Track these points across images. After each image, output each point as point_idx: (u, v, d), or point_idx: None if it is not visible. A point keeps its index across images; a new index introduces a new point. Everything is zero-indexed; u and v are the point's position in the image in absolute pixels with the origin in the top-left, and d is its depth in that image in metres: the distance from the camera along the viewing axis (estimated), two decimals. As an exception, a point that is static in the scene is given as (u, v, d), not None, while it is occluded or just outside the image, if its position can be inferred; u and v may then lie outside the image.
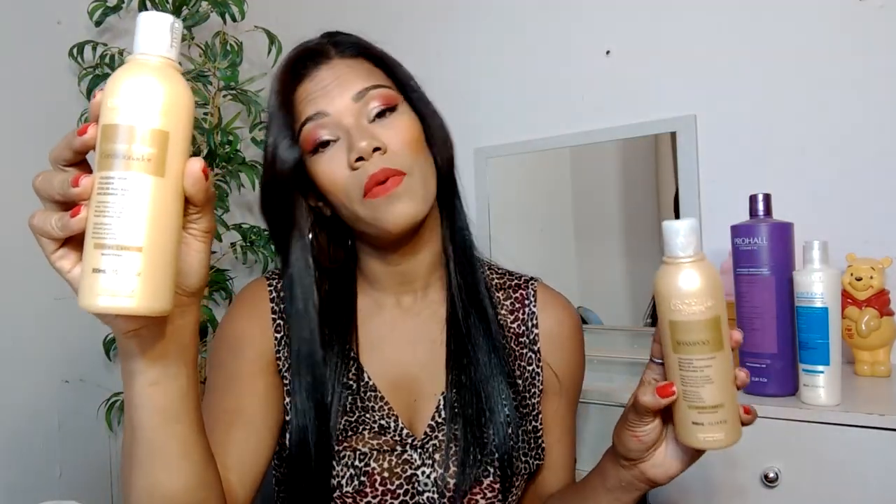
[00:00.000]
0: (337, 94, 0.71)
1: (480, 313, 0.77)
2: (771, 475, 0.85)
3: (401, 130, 0.71)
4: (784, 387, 0.92)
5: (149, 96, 0.43)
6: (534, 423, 0.80)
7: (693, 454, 0.62)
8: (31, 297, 1.48)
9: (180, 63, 0.47)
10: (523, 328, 0.81)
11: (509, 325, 0.81)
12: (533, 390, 0.80)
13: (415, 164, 0.71)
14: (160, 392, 0.53)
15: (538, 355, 0.81)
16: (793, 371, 0.92)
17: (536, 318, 0.81)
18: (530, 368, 0.80)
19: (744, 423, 0.58)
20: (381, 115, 0.71)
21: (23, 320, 1.47)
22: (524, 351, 0.81)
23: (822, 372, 0.86)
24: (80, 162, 0.46)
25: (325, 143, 0.71)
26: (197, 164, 0.46)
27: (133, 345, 0.51)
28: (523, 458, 0.76)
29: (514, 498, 0.77)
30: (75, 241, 0.46)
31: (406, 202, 0.69)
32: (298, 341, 0.74)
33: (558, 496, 0.80)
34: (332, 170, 0.70)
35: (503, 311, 0.82)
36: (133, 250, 0.42)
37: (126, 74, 0.44)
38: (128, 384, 0.53)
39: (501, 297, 0.83)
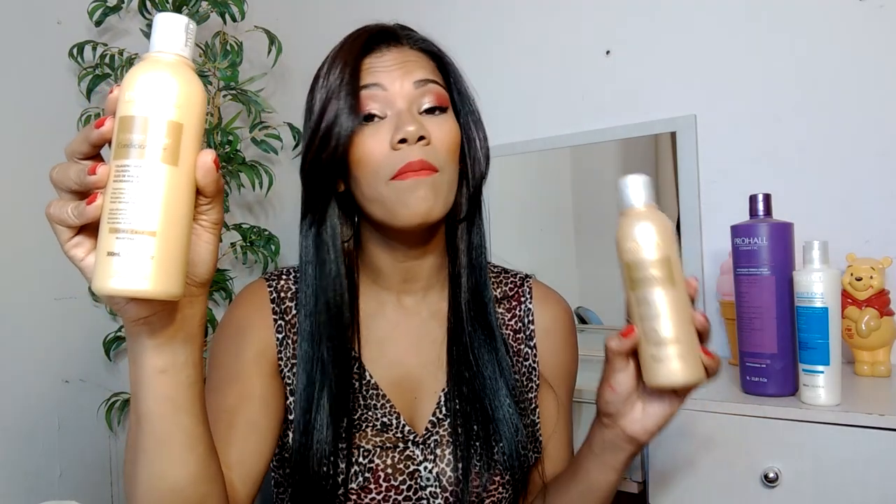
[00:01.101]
0: (398, 76, 0.72)
1: (486, 329, 0.78)
2: (771, 475, 0.85)
3: (446, 132, 0.73)
4: (784, 387, 0.92)
5: (164, 90, 0.46)
6: (531, 417, 0.81)
7: (668, 409, 0.63)
8: (31, 297, 1.48)
9: (194, 61, 0.49)
10: (520, 325, 0.82)
11: (507, 322, 0.82)
12: (530, 385, 0.81)
13: (447, 166, 0.72)
14: (168, 380, 0.53)
15: (534, 350, 0.82)
16: (793, 371, 0.92)
17: (532, 315, 0.83)
18: (527, 364, 0.81)
19: (707, 369, 0.59)
20: (431, 111, 0.73)
21: (23, 320, 1.47)
22: (521, 347, 0.82)
23: (822, 372, 0.86)
24: (94, 156, 0.48)
25: (371, 117, 0.71)
26: (209, 155, 0.48)
27: (143, 332, 0.52)
28: (522, 453, 0.76)
29: (519, 494, 0.77)
30: (89, 230, 0.48)
31: (428, 196, 0.70)
32: (322, 309, 0.75)
33: (554, 478, 0.80)
34: (372, 144, 0.70)
35: (501, 310, 0.82)
36: (147, 234, 0.44)
37: (143, 70, 0.46)
38: (135, 372, 0.53)
39: (498, 296, 0.83)
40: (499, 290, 0.84)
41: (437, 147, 0.71)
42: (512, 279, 0.85)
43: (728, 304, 1.17)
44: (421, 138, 0.70)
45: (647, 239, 0.58)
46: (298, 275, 0.79)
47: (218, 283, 1.62)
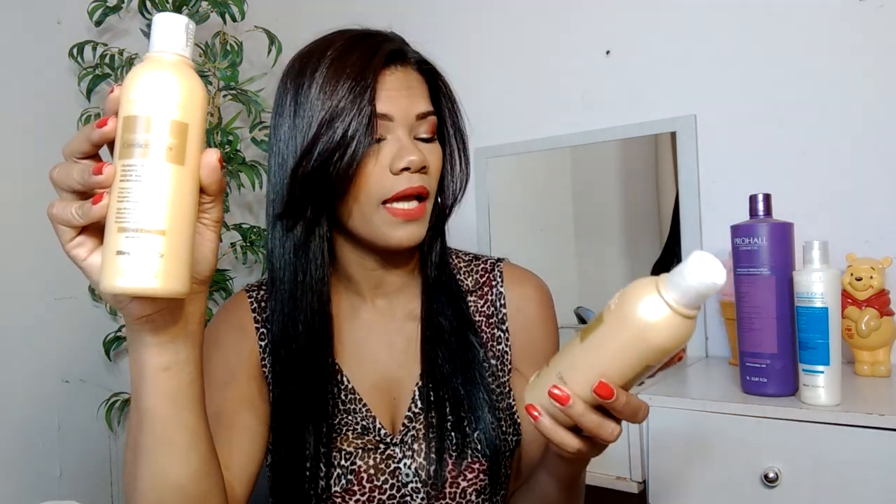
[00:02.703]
0: (405, 106, 0.71)
1: (456, 328, 0.78)
2: (771, 475, 0.85)
3: (436, 158, 0.74)
4: (784, 387, 0.92)
5: (168, 90, 0.46)
6: (507, 400, 0.80)
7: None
8: (31, 297, 1.48)
9: (194, 61, 0.49)
10: (492, 309, 0.82)
11: (479, 308, 0.82)
12: (505, 368, 0.81)
13: (433, 191, 0.74)
14: (171, 378, 0.54)
15: (507, 334, 0.82)
16: (793, 371, 0.92)
17: (504, 298, 0.82)
18: (499, 347, 0.81)
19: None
20: (425, 139, 0.73)
21: (23, 320, 1.47)
22: (494, 331, 0.82)
23: (822, 372, 0.86)
24: (93, 156, 0.48)
25: (376, 140, 0.71)
26: (213, 154, 0.48)
27: (146, 330, 0.52)
28: (502, 438, 0.76)
29: (503, 479, 0.77)
30: (91, 230, 0.48)
31: (418, 228, 0.72)
32: (283, 327, 0.75)
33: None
34: (371, 165, 0.70)
35: (473, 298, 0.83)
36: (155, 233, 0.44)
37: (146, 70, 0.46)
38: (137, 371, 0.54)
39: (470, 284, 0.83)
40: (470, 279, 0.84)
41: (432, 174, 0.73)
42: (483, 265, 0.85)
43: (728, 304, 1.17)
44: (422, 168, 0.71)
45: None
46: (267, 284, 0.77)
47: (218, 283, 1.62)
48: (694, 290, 0.48)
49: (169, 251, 0.45)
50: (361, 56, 0.70)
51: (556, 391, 0.54)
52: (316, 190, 0.71)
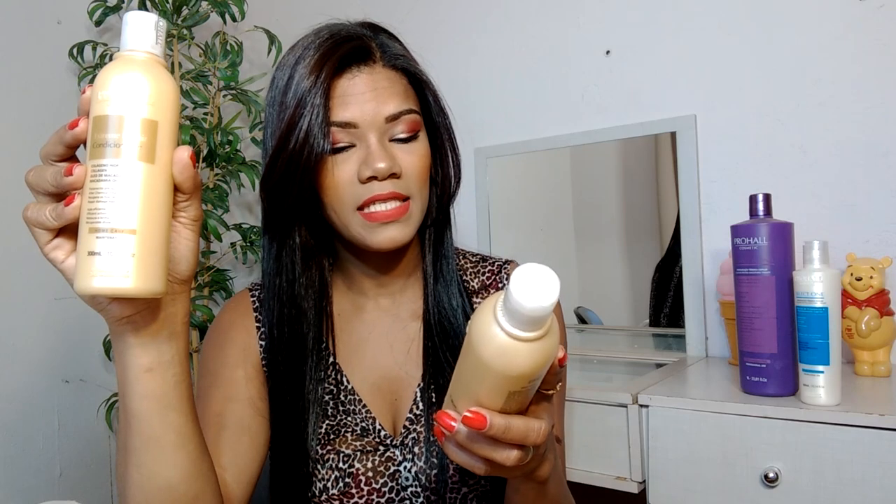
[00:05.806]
0: (371, 109, 0.69)
1: (456, 332, 0.77)
2: (771, 475, 0.85)
3: (418, 158, 0.71)
4: (784, 387, 0.92)
5: (137, 88, 0.46)
6: None
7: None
8: (31, 297, 1.48)
9: (166, 58, 0.48)
10: None
11: None
12: None
13: (419, 191, 0.72)
14: (154, 379, 0.54)
15: None
16: (793, 371, 0.92)
17: None
18: None
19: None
20: (403, 139, 0.71)
21: (23, 320, 1.47)
22: None
23: (822, 372, 0.86)
24: (69, 158, 0.48)
25: (342, 148, 0.69)
26: (184, 151, 0.48)
27: (127, 331, 0.52)
28: None
29: (505, 485, 0.77)
30: (68, 232, 0.48)
31: (399, 228, 0.70)
32: (278, 329, 0.74)
33: None
34: (340, 173, 0.69)
35: (478, 299, 0.82)
36: (127, 233, 0.44)
37: (115, 69, 0.46)
38: (122, 373, 0.54)
39: (476, 285, 0.83)
40: (476, 281, 0.83)
41: (409, 175, 0.70)
42: (490, 267, 0.85)
43: (728, 304, 1.17)
44: (391, 174, 0.68)
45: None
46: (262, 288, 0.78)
47: (218, 282, 1.62)
48: (523, 315, 0.42)
49: (141, 251, 0.44)
50: (314, 65, 0.68)
51: (445, 419, 0.49)
52: (283, 204, 0.71)
